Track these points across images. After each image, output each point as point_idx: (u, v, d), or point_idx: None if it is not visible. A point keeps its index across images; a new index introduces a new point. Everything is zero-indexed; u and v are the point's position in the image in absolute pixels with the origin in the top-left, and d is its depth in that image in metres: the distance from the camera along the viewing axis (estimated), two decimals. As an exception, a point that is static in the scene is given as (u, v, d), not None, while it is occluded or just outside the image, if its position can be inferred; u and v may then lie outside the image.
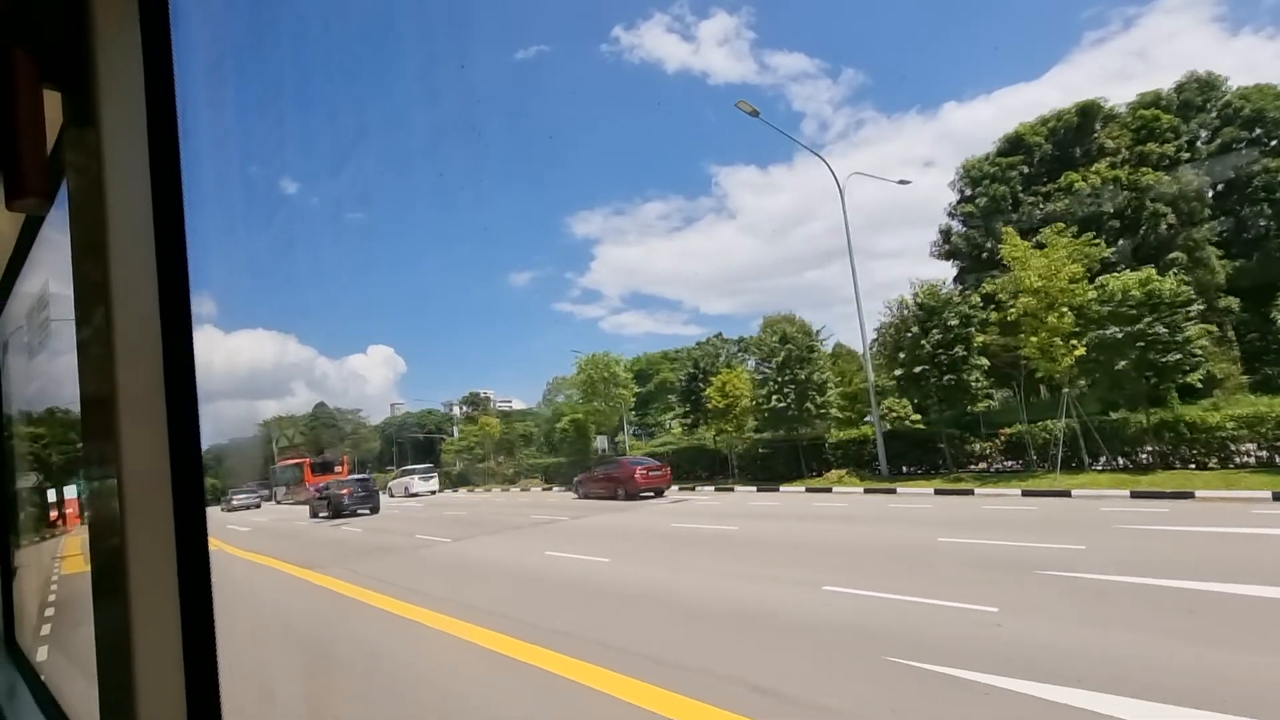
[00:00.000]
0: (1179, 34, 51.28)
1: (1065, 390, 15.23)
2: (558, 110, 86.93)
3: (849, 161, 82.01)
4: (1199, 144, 36.84)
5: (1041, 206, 37.15)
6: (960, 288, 38.29)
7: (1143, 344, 14.26)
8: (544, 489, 32.13)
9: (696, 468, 26.78)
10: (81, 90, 0.86)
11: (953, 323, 17.32)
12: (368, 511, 23.57)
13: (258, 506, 36.45)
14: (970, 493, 15.58)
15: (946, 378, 17.22)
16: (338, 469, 40.18)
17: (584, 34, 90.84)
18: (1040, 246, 15.80)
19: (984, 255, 36.76)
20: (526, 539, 14.39)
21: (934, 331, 17.38)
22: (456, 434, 53.81)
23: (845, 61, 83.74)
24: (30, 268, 1.68)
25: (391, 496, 37.53)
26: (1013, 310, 15.54)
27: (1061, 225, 15.94)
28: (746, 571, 8.96)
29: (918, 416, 30.25)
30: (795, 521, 13.81)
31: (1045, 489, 14.46)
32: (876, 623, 6.30)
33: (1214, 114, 37.78)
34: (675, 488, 24.42)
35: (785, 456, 23.02)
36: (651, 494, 21.52)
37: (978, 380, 17.39)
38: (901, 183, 23.89)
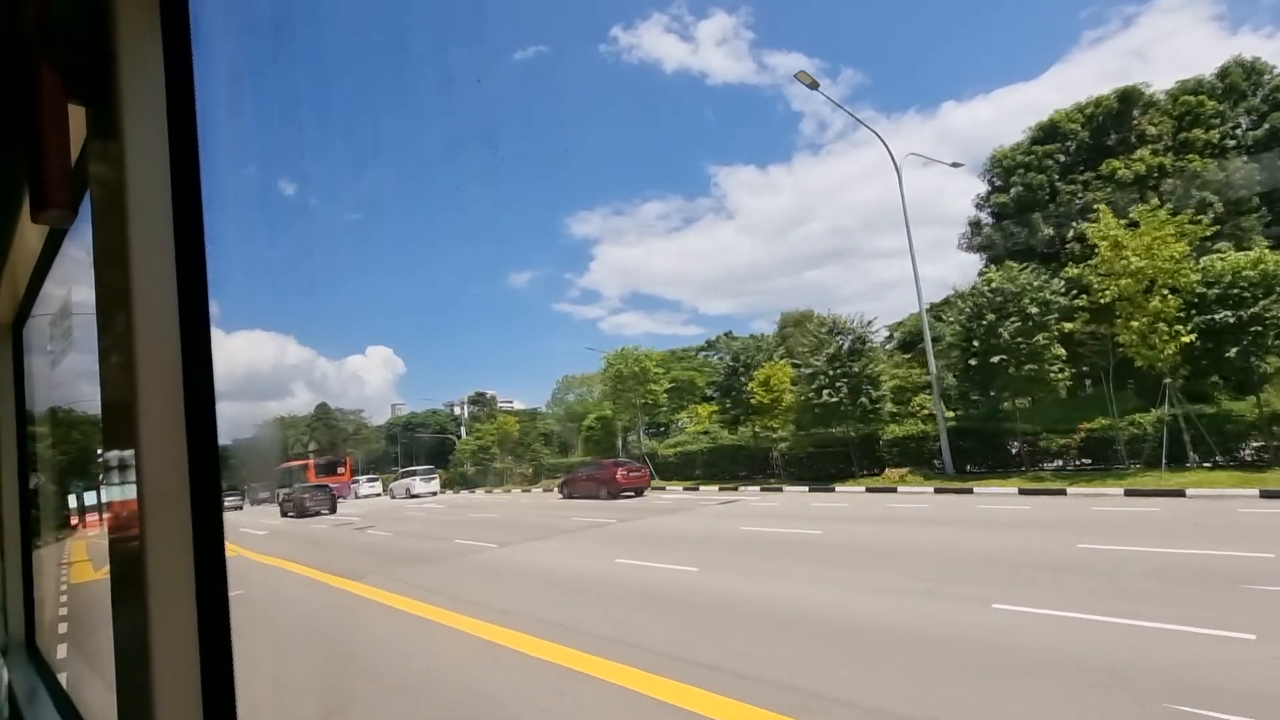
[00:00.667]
0: (1177, 33, 50.30)
1: (1167, 380, 13.94)
2: (557, 111, 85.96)
3: (846, 161, 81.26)
4: (1239, 131, 35.61)
5: (1080, 195, 35.95)
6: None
7: (1259, 328, 12.98)
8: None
9: (735, 467, 25.46)
10: (105, 104, 0.87)
11: (1032, 310, 16.02)
12: (326, 512, 27.27)
13: (239, 509, 36.91)
14: (1063, 493, 14.28)
15: (1026, 368, 15.92)
16: (340, 470, 39.78)
17: (582, 34, 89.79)
18: (1132, 226, 14.51)
19: (1019, 246, 35.55)
20: (582, 544, 13.10)
21: (1012, 319, 16.07)
22: (464, 434, 52.71)
23: (844, 61, 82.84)
24: (53, 278, 1.73)
25: (393, 498, 37.05)
26: (1105, 294, 14.23)
27: (1156, 202, 14.66)
28: (877, 584, 7.65)
29: (951, 414, 29.02)
30: (881, 525, 12.52)
31: (1152, 488, 13.16)
32: (1111, 655, 5.01)
33: (1259, 99, 36.48)
34: (715, 488, 23.17)
35: (834, 455, 21.73)
36: (631, 493, 22.57)
37: (1060, 370, 16.10)
38: (954, 165, 22.61)
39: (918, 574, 8.04)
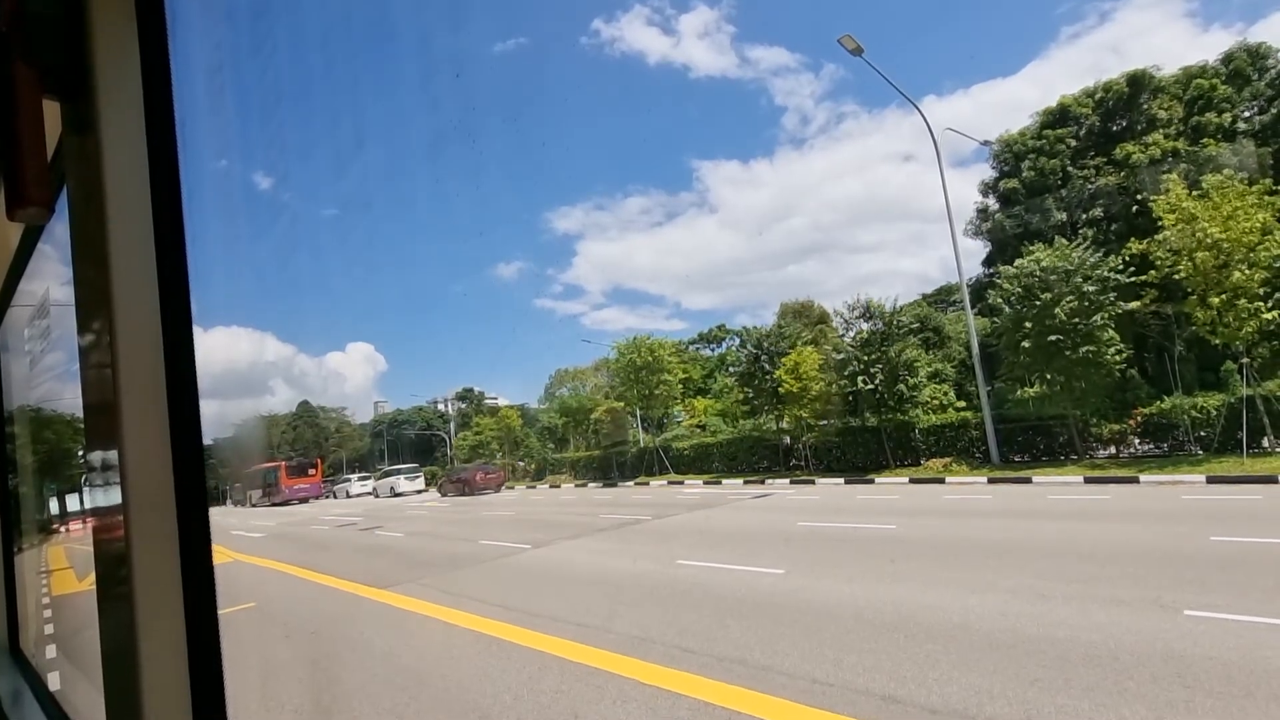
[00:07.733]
0: (1151, 29, 50.52)
1: (1244, 360, 13.13)
2: (538, 104, 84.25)
3: (829, 155, 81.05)
4: (1249, 115, 35.31)
5: (1092, 181, 35.50)
6: (988, 271, 36.63)
7: (1347, 304, 12.20)
8: (577, 485, 29.58)
9: (753, 458, 24.45)
10: (81, 100, 0.85)
11: (1090, 289, 15.14)
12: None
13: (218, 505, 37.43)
14: (1135, 480, 13.41)
15: (1083, 349, 15.04)
16: (312, 472, 39.81)
17: (563, 27, 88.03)
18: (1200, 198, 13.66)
19: (1030, 232, 35.03)
20: (627, 543, 11.95)
21: (1068, 298, 15.18)
22: (454, 430, 51.34)
23: (826, 56, 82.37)
24: (31, 275, 1.68)
25: (376, 496, 36.66)
26: (1181, 269, 13.37)
27: (1230, 171, 13.83)
28: (1012, 585, 6.59)
29: (962, 403, 28.34)
30: (956, 519, 11.53)
31: (1237, 475, 12.33)
32: None
33: (1264, 84, 36.16)
34: (740, 482, 22.12)
35: (863, 445, 20.77)
36: (490, 490, 28.86)
37: (1119, 352, 15.25)
38: (984, 143, 21.80)
39: (1052, 574, 7.00)
